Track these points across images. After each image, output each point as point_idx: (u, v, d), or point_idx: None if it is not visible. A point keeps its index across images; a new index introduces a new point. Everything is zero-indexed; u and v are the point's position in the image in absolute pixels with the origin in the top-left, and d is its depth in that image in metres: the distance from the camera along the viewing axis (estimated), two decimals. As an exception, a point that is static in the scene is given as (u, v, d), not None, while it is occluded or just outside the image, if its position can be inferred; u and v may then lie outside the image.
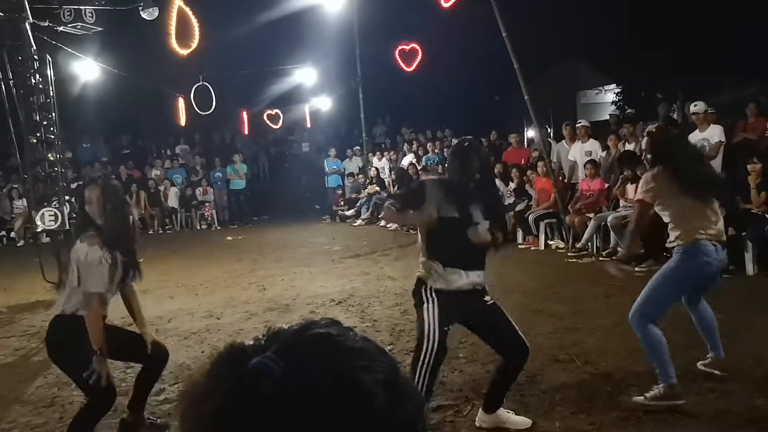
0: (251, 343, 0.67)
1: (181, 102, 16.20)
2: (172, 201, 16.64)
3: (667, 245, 4.07)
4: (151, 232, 15.72)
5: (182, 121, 16.74)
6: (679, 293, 4.06)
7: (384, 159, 16.85)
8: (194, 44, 9.89)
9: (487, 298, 3.63)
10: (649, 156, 4.09)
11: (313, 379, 0.62)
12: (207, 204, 16.91)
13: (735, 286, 6.29)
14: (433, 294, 3.53)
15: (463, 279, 3.53)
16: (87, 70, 13.33)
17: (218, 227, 16.63)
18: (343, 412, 0.61)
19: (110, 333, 3.67)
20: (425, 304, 3.54)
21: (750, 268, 7.27)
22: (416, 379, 3.44)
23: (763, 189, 7.42)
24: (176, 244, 13.54)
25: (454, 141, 4.03)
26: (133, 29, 11.01)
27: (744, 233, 7.19)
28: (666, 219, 4.00)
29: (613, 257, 5.01)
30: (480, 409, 3.78)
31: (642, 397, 3.84)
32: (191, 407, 0.65)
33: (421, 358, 3.49)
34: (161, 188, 16.67)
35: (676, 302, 4.09)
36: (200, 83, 15.00)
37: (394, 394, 0.64)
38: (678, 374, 3.85)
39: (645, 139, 4.22)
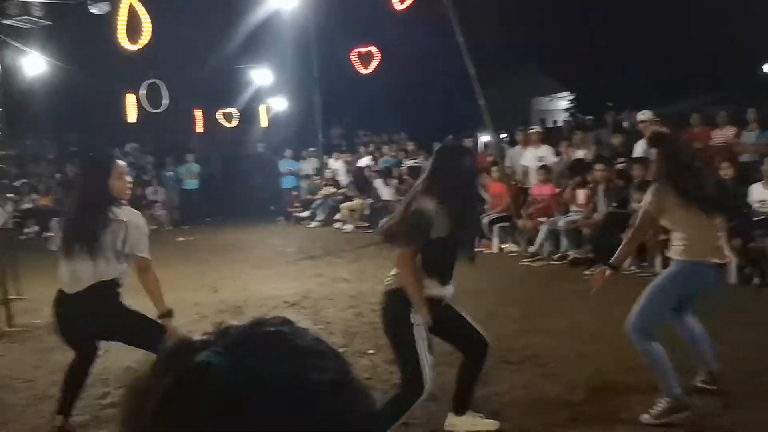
0: (200, 338, 0.65)
1: (131, 99, 15.82)
2: (122, 200, 16.25)
3: (669, 254, 4.05)
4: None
5: (132, 119, 16.35)
6: (670, 304, 3.99)
7: (340, 161, 16.82)
8: (144, 41, 9.63)
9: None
10: (656, 168, 4.00)
11: (262, 377, 0.60)
12: (157, 204, 16.59)
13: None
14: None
15: (441, 290, 3.49)
16: (33, 64, 12.91)
17: (169, 228, 16.32)
18: (290, 412, 0.59)
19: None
20: (414, 328, 3.31)
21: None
22: (397, 420, 3.31)
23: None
24: (125, 244, 13.23)
25: (439, 145, 3.70)
26: (83, 24, 10.72)
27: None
28: (671, 227, 4.02)
29: (598, 266, 4.66)
30: (450, 413, 3.76)
31: (647, 415, 3.73)
32: (133, 402, 0.63)
33: (413, 404, 3.34)
34: (110, 187, 16.26)
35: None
36: (151, 80, 14.68)
37: (344, 396, 0.63)
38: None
39: (654, 151, 4.10)
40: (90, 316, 3.63)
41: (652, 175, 4.10)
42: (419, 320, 3.33)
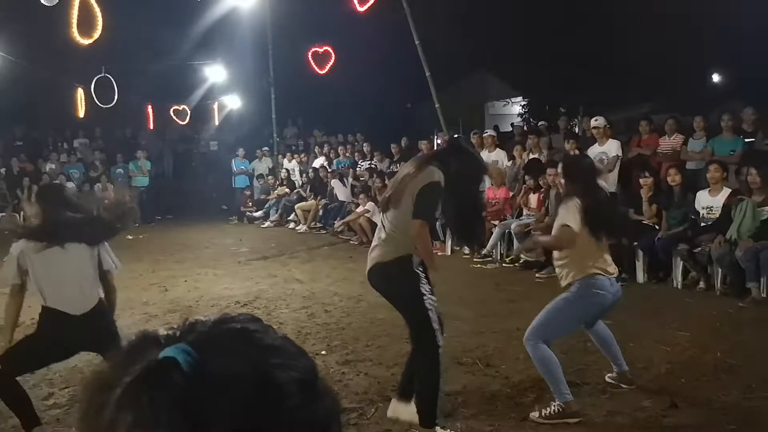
0: (165, 333, 0.64)
1: (80, 93, 15.40)
2: (69, 197, 15.76)
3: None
4: (44, 228, 14.85)
5: (81, 113, 15.92)
6: (576, 324, 4.14)
7: (294, 161, 16.71)
8: (96, 34, 9.42)
9: None
10: (565, 185, 4.11)
11: (227, 373, 0.59)
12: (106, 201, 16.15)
13: (626, 294, 6.58)
14: (421, 270, 3.66)
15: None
16: (-23, 54, 12.49)
17: (118, 225, 15.91)
18: (255, 409, 0.59)
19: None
20: (421, 285, 3.61)
21: (640, 276, 7.71)
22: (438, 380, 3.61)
23: (653, 201, 7.87)
24: (72, 242, 12.86)
25: (445, 139, 4.12)
26: (30, 14, 10.40)
27: (636, 243, 7.61)
28: (558, 252, 4.06)
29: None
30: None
31: (537, 413, 3.87)
32: (93, 397, 0.61)
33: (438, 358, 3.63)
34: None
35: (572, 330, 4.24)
36: (102, 74, 14.33)
37: (309, 394, 0.62)
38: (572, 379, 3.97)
39: (561, 173, 4.26)
40: (101, 331, 3.67)
41: (564, 193, 4.14)
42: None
